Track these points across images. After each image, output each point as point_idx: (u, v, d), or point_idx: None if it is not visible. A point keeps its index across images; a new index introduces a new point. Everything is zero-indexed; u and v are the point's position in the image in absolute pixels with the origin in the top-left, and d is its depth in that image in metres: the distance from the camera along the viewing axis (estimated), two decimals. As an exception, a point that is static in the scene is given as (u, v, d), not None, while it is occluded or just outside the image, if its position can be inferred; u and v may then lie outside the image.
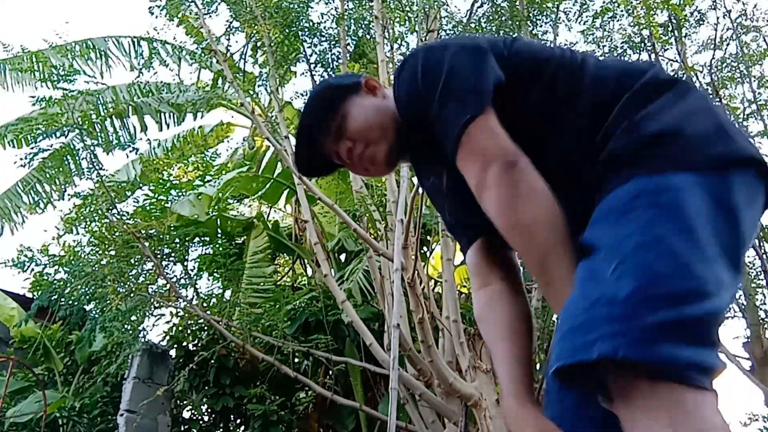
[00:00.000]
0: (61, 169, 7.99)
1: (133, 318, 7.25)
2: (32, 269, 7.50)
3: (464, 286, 9.20)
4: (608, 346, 0.89)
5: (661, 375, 0.90)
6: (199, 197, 8.50)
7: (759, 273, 6.74)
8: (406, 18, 7.84)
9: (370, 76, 1.51)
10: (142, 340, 7.46)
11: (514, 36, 1.41)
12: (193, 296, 7.99)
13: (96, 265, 7.02)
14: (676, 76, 1.32)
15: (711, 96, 1.30)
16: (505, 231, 1.15)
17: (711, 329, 0.94)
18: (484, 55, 1.27)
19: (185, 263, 8.15)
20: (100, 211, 7.18)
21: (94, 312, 7.61)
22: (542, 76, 1.28)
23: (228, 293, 8.50)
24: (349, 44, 8.00)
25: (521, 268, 1.46)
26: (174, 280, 7.59)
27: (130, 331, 7.22)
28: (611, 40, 6.66)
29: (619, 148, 1.15)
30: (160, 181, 8.62)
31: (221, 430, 7.91)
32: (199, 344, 7.77)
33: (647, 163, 1.10)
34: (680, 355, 0.90)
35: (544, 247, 1.12)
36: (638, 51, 6.64)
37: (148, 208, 8.06)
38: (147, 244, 6.97)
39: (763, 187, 1.15)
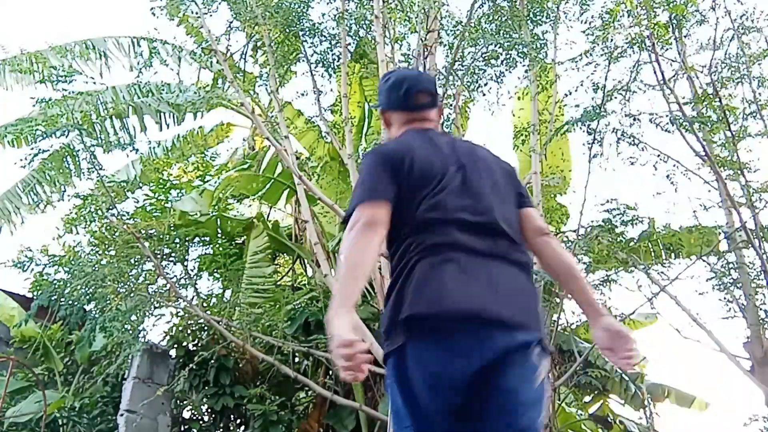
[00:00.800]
0: (60, 169, 7.98)
1: (133, 318, 7.25)
2: (32, 269, 7.50)
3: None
4: None
5: None
6: (201, 194, 8.50)
7: (759, 273, 6.72)
8: (407, 18, 7.84)
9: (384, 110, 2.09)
10: (142, 340, 7.46)
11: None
12: (193, 296, 8.00)
13: (96, 265, 7.02)
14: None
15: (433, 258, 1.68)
16: (340, 253, 1.68)
17: None
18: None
19: (185, 263, 8.15)
20: (100, 212, 7.17)
21: (94, 312, 7.61)
22: None
23: (228, 293, 8.49)
24: (349, 44, 7.99)
25: None
26: (174, 280, 7.59)
27: (130, 331, 7.21)
28: (612, 39, 6.64)
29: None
30: (160, 181, 8.61)
31: (221, 430, 7.91)
32: (199, 344, 7.76)
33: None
34: None
35: (343, 278, 1.62)
36: (638, 51, 6.62)
37: (148, 208, 8.05)
38: (147, 244, 6.97)
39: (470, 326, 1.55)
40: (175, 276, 7.92)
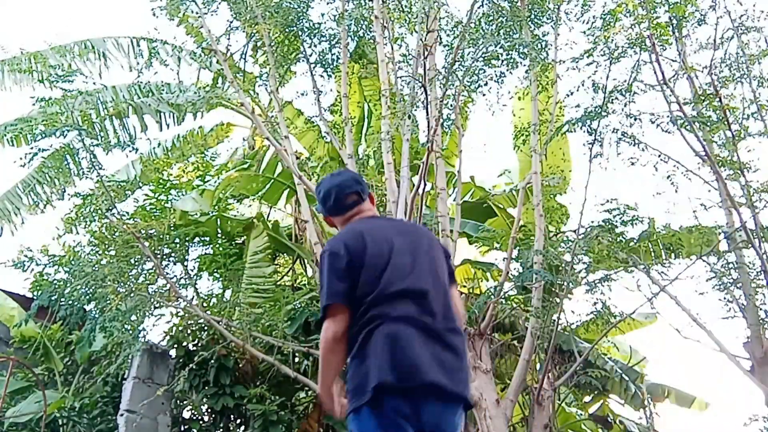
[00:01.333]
0: (60, 169, 7.98)
1: (133, 318, 7.24)
2: (32, 269, 7.50)
3: (464, 286, 9.20)
4: None
5: None
6: (201, 194, 8.50)
7: (759, 273, 6.72)
8: (406, 18, 7.83)
9: (325, 216, 2.57)
10: (142, 340, 7.45)
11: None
12: (193, 296, 8.00)
13: (96, 265, 7.02)
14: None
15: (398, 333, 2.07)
16: (321, 345, 2.15)
17: None
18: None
19: (185, 263, 8.15)
20: (100, 211, 7.17)
21: (94, 312, 7.61)
22: None
23: (228, 293, 8.49)
24: (349, 44, 7.99)
25: None
26: (174, 280, 7.58)
27: (130, 331, 7.21)
28: (612, 40, 6.63)
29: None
30: (160, 181, 8.61)
31: (221, 430, 7.91)
32: (199, 344, 7.76)
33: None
34: None
35: (324, 360, 2.15)
36: (639, 51, 6.61)
37: (148, 208, 8.05)
38: (147, 244, 6.96)
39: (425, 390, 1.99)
40: (175, 276, 7.92)
